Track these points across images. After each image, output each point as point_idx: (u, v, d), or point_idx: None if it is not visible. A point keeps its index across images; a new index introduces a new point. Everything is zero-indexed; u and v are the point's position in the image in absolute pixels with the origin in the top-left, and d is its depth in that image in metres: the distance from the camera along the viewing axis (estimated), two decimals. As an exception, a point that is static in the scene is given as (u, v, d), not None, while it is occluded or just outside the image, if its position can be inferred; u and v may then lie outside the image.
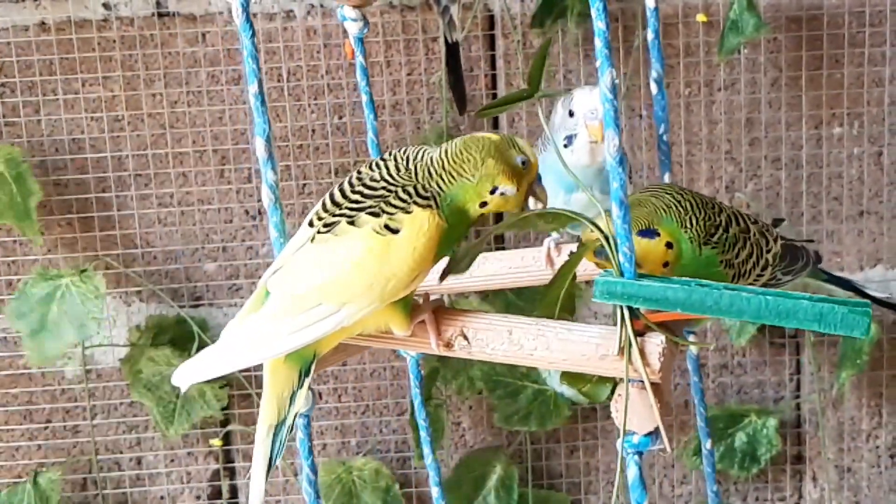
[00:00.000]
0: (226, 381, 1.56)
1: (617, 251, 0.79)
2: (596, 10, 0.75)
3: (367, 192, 0.86)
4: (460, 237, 0.89)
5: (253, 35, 0.87)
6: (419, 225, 0.84)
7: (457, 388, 1.57)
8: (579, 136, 1.04)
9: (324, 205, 0.88)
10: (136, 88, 1.52)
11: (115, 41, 1.51)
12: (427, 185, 0.86)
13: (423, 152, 0.88)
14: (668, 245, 0.88)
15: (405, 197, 0.85)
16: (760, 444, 1.60)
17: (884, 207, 1.60)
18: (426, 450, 1.16)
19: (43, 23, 1.50)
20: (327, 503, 1.56)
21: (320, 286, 0.84)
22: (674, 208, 0.90)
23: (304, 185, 1.56)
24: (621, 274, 0.80)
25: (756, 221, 0.97)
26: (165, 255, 1.56)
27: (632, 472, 0.83)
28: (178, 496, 1.62)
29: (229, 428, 1.61)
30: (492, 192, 0.87)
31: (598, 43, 0.76)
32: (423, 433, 1.16)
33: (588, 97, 1.04)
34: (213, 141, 1.53)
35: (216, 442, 1.60)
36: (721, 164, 1.58)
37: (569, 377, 0.87)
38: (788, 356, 1.64)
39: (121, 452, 1.60)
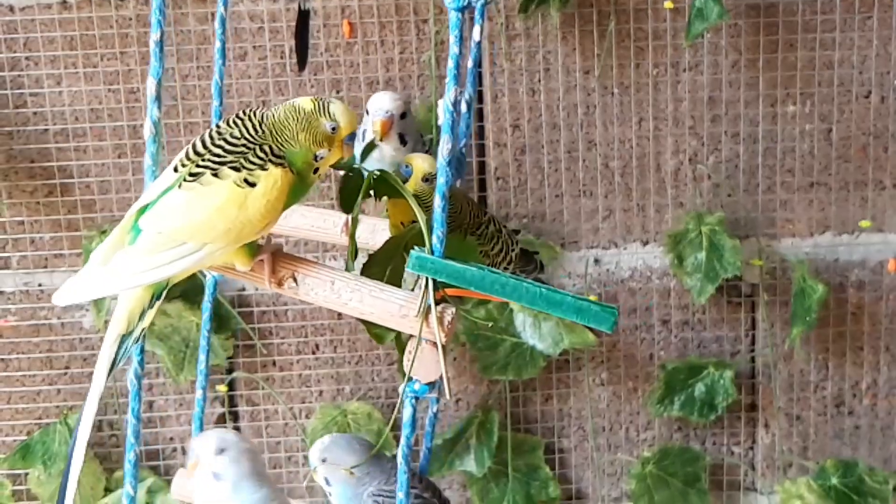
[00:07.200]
0: (231, 333, 1.65)
1: (431, 234, 0.93)
2: (453, 37, 0.89)
3: (227, 147, 0.97)
4: (306, 192, 1.01)
5: None
6: (273, 181, 0.96)
7: (442, 340, 1.67)
8: (367, 132, 1.16)
9: (187, 154, 0.99)
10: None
11: (131, 19, 1.58)
12: (279, 147, 0.98)
13: (267, 115, 0.99)
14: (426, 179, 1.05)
15: (262, 156, 0.97)
16: (717, 394, 1.67)
17: (832, 179, 1.66)
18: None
19: (65, 1, 1.57)
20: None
21: (187, 227, 0.96)
22: (464, 207, 1.08)
23: (305, 153, 1.65)
24: (432, 252, 0.93)
25: (506, 227, 1.15)
26: (176, 216, 1.66)
27: (406, 413, 0.96)
28: (186, 437, 1.70)
29: (234, 375, 1.69)
30: (315, 159, 0.99)
31: (450, 63, 0.89)
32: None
33: (380, 98, 1.16)
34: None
35: (222, 388, 1.68)
36: (685, 138, 1.65)
37: (366, 322, 1.00)
38: (744, 314, 1.71)
39: (134, 397, 1.70)
